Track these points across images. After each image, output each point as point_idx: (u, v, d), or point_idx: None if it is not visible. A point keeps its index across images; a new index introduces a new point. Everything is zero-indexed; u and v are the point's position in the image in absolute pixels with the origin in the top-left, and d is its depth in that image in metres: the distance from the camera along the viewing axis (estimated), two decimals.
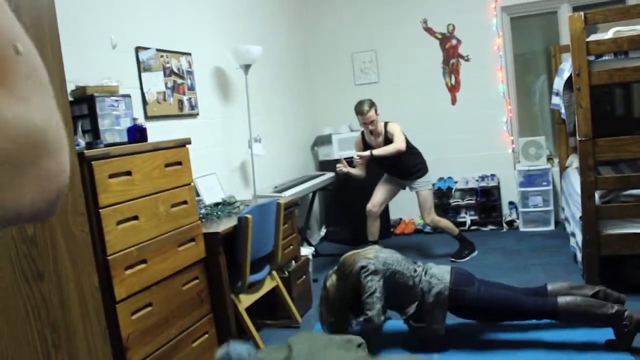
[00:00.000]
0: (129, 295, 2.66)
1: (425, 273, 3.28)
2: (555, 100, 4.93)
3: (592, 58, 3.64)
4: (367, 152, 4.87)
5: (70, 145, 1.96)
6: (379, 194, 5.15)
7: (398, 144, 4.81)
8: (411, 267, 3.34)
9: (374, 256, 3.29)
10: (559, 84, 4.60)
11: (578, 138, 3.71)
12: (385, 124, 4.98)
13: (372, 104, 4.89)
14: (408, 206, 6.04)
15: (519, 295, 3.19)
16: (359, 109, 4.90)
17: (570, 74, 3.75)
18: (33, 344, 1.99)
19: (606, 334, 3.03)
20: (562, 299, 3.03)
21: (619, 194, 3.87)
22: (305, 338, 2.73)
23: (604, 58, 3.64)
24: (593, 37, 3.77)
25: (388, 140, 4.92)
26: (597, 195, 3.80)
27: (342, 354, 2.58)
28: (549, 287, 3.25)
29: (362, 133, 5.09)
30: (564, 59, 5.22)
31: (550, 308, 3.03)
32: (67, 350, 2.14)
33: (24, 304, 1.97)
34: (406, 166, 4.96)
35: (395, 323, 3.53)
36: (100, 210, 2.51)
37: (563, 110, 4.38)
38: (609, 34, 3.65)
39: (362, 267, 3.21)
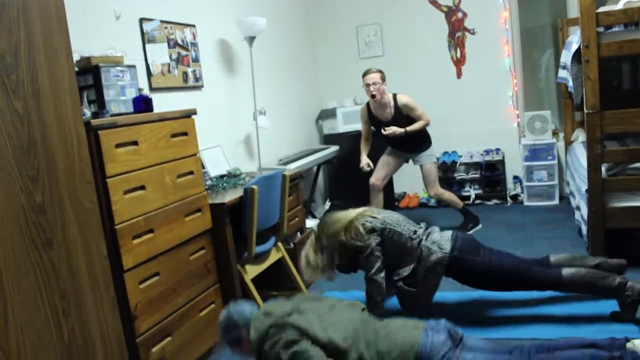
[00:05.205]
0: (137, 264, 2.68)
1: (427, 237, 3.21)
2: (562, 73, 4.89)
3: (601, 30, 3.59)
4: (402, 130, 4.81)
5: (76, 115, 1.95)
6: (382, 167, 5.13)
7: (426, 121, 4.88)
8: (411, 228, 3.25)
9: (371, 215, 3.25)
10: (566, 57, 4.55)
11: (585, 110, 3.68)
12: (394, 95, 4.93)
13: (380, 71, 4.86)
14: (412, 180, 6.04)
15: (524, 264, 3.16)
16: (365, 70, 4.89)
17: (579, 46, 3.71)
18: (44, 311, 2.01)
19: (611, 305, 3.05)
20: (566, 271, 3.03)
21: (626, 167, 3.86)
22: (309, 299, 2.72)
23: (613, 29, 3.60)
24: (603, 9, 3.72)
25: (398, 112, 4.86)
26: (603, 168, 3.79)
27: (350, 314, 2.58)
28: (552, 259, 3.24)
29: (368, 104, 5.04)
30: (572, 32, 5.16)
31: (554, 279, 3.03)
32: (76, 318, 2.17)
33: (34, 271, 1.98)
34: (410, 139, 4.92)
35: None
36: (107, 180, 2.52)
37: (570, 83, 4.34)
38: (620, 5, 3.60)
39: (361, 225, 3.18)
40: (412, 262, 3.17)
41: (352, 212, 3.30)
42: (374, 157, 5.20)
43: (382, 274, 3.18)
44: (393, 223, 3.22)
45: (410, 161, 5.18)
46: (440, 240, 3.19)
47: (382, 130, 4.88)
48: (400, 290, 3.23)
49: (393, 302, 3.40)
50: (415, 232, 3.24)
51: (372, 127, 5.09)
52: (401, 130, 4.80)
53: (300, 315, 2.45)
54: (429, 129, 5.05)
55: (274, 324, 2.41)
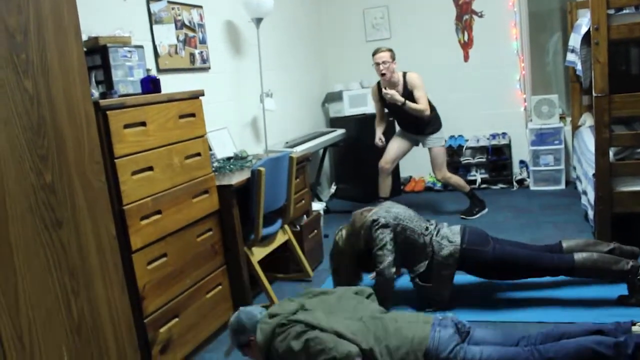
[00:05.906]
0: (145, 245, 2.69)
1: (437, 233, 3.24)
2: (571, 57, 4.85)
3: (611, 12, 3.56)
4: (402, 99, 4.76)
5: (85, 94, 1.93)
6: (392, 150, 5.12)
7: (425, 108, 4.80)
8: (423, 224, 3.30)
9: (385, 210, 3.29)
10: (575, 40, 4.52)
11: (594, 94, 3.66)
12: (404, 74, 4.91)
13: (390, 49, 4.84)
14: (418, 164, 6.03)
15: (534, 252, 3.17)
16: (374, 49, 4.87)
17: (589, 29, 3.67)
18: (54, 290, 2.02)
19: (618, 289, 3.05)
20: (578, 255, 3.04)
21: (634, 151, 3.83)
22: (315, 293, 2.75)
23: (624, 11, 3.57)
24: None
25: (407, 90, 4.85)
26: (611, 152, 3.77)
27: (356, 304, 2.60)
28: (564, 244, 3.25)
29: (378, 83, 5.03)
30: (581, 15, 5.12)
31: (566, 265, 3.04)
32: (86, 297, 2.18)
33: (44, 250, 1.99)
34: (421, 120, 4.91)
35: (407, 279, 3.54)
36: (115, 160, 2.52)
37: (579, 67, 4.31)
38: None
39: (374, 221, 3.22)
40: (425, 258, 3.22)
41: (366, 211, 3.36)
42: (386, 139, 5.18)
43: (393, 270, 3.19)
44: (405, 219, 3.25)
45: (420, 144, 5.16)
46: (449, 234, 3.23)
47: (383, 89, 4.88)
48: (417, 287, 3.29)
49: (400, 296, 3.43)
50: (427, 228, 3.29)
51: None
52: (401, 98, 4.77)
53: (307, 313, 2.47)
54: (439, 111, 5.04)
55: (280, 323, 2.43)
